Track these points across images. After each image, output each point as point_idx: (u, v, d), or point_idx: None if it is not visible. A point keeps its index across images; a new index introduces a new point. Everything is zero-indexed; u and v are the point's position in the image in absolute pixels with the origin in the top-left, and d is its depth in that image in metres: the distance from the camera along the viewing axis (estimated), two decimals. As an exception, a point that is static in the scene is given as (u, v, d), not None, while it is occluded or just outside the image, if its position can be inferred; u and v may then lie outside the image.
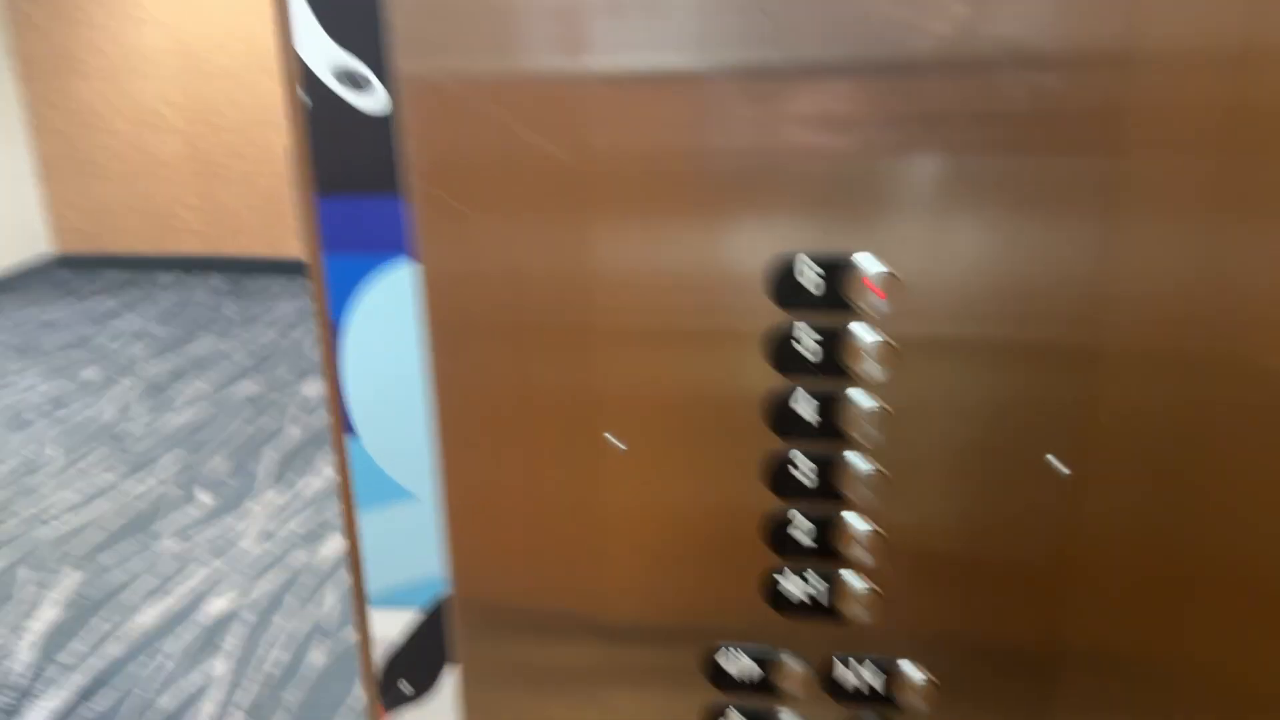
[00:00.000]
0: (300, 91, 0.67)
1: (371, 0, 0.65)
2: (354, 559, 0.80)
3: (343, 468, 0.77)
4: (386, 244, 0.70)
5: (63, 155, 5.90)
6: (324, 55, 0.67)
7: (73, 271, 6.10)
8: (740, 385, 0.66)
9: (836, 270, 0.62)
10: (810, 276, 0.63)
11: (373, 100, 0.67)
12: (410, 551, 0.79)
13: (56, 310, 5.37)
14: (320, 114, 0.68)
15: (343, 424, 0.76)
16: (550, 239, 0.66)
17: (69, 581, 2.79)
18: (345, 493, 0.78)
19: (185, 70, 5.55)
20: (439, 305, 0.70)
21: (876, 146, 0.60)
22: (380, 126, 0.67)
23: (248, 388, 4.22)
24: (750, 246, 0.63)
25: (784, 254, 0.63)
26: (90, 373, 4.43)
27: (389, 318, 0.71)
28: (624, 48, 0.62)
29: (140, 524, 3.10)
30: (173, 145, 5.72)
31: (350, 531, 0.79)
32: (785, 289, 0.63)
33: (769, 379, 0.65)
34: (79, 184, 5.94)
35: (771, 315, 0.64)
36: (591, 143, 0.64)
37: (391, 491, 0.77)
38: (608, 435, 0.69)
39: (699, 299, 0.65)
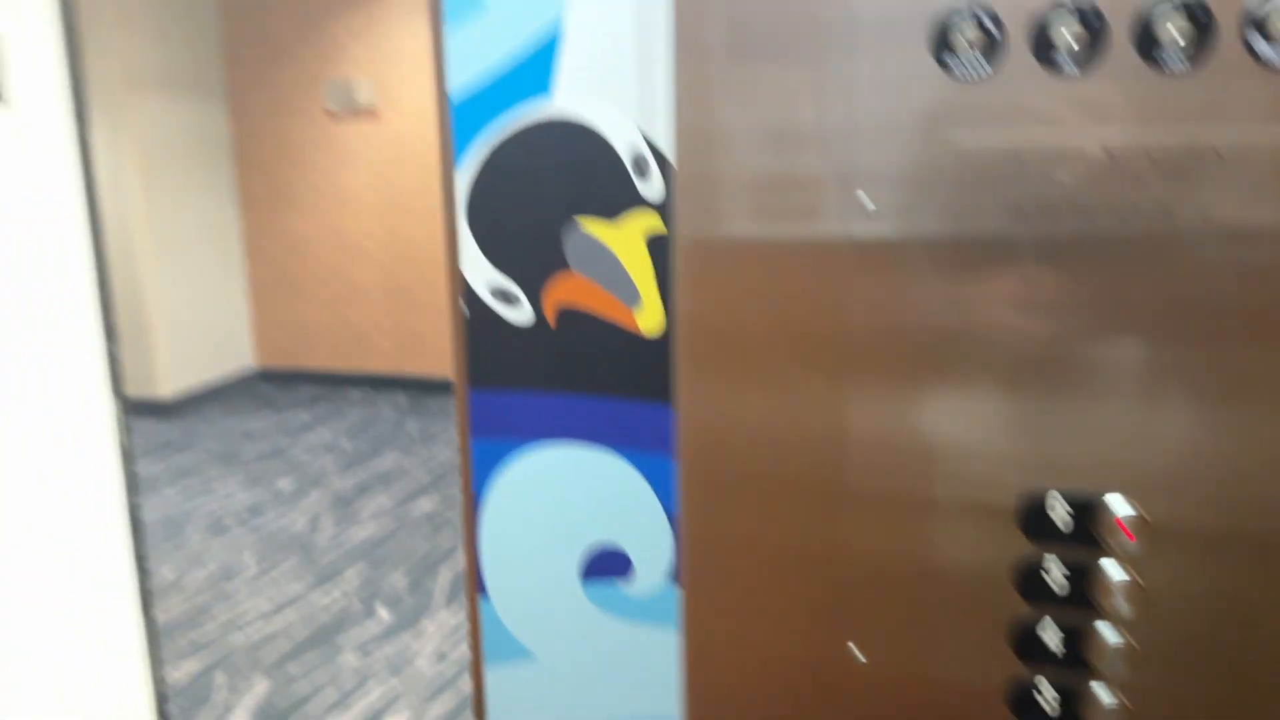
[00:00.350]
0: (462, 303, 0.86)
1: (523, 233, 0.84)
2: (478, 710, 0.91)
3: (474, 626, 0.91)
4: (524, 432, 0.86)
5: (271, 279, 6.59)
6: (483, 276, 0.86)
7: (271, 385, 6.71)
8: (986, 579, 0.69)
9: (1086, 509, 0.66)
10: (1060, 513, 0.67)
11: (519, 313, 0.85)
12: (530, 706, 0.88)
13: (256, 421, 5.92)
14: (476, 322, 0.86)
15: (476, 585, 0.91)
16: (805, 400, 0.71)
17: (259, 689, 3.06)
18: (475, 648, 0.91)
19: (387, 208, 6.17)
20: (693, 458, 0.75)
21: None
22: (524, 335, 0.85)
23: (425, 505, 4.53)
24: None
25: (1035, 489, 0.67)
26: (284, 483, 4.85)
27: (521, 495, 0.87)
28: (875, 219, 0.68)
29: (325, 636, 3.37)
30: (371, 273, 6.32)
31: (476, 684, 0.91)
32: (1034, 522, 0.68)
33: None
34: (284, 305, 6.60)
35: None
36: (846, 309, 0.69)
37: (515, 650, 0.90)
38: (851, 646, 0.72)
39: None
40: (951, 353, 0.67)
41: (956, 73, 0.65)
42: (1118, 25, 0.62)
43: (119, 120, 5.68)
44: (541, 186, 0.83)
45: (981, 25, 0.64)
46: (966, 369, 0.67)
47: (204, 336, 6.34)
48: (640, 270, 0.81)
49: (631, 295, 0.82)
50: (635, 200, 0.80)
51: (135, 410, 6.07)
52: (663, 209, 0.80)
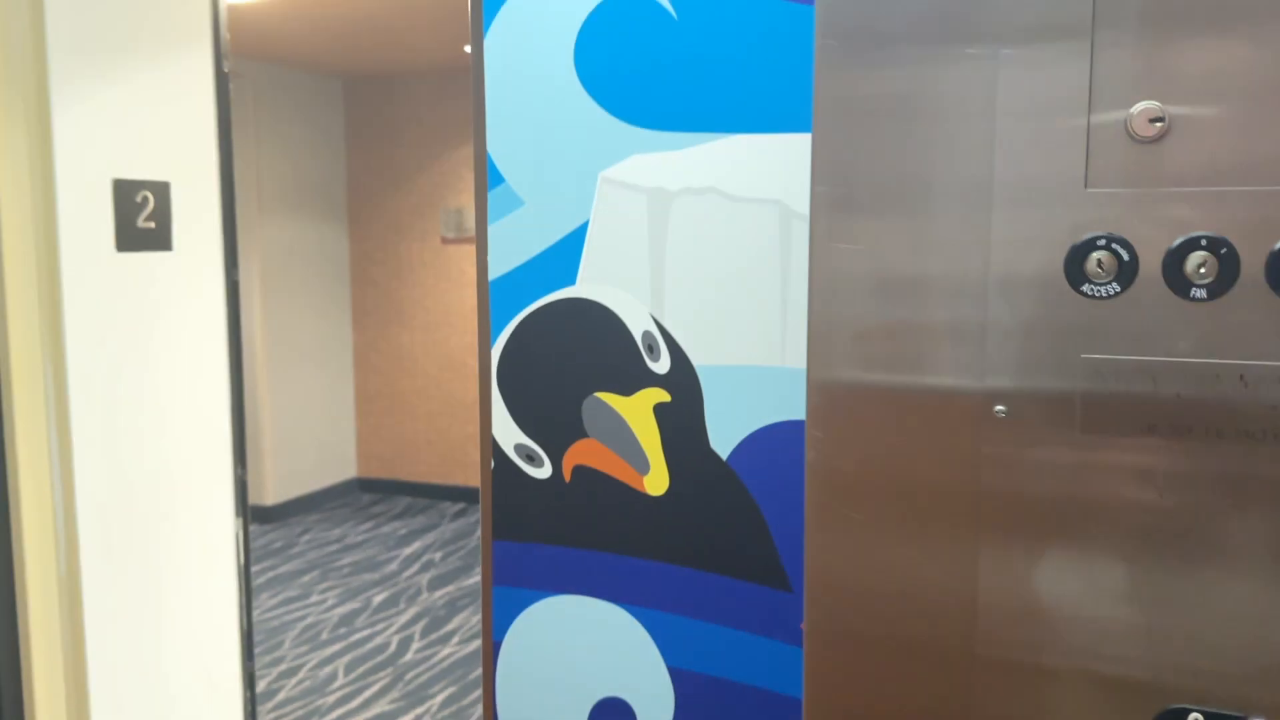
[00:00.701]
0: (493, 461, 0.99)
1: (547, 400, 0.96)
2: None
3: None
4: (542, 582, 0.96)
5: (377, 391, 6.92)
6: (509, 436, 0.98)
7: (370, 494, 6.96)
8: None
9: None
10: None
11: (541, 471, 0.97)
12: None
13: (354, 531, 6.13)
14: (501, 478, 0.98)
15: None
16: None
17: (335, 805, 3.15)
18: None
19: (489, 327, 6.46)
20: (819, 615, 0.75)
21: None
22: (542, 488, 0.96)
23: (513, 625, 4.61)
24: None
25: (1176, 706, 0.68)
26: (380, 597, 5.00)
27: (534, 643, 0.96)
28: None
29: (402, 755, 3.45)
30: (472, 389, 6.58)
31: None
32: None
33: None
34: (387, 417, 6.90)
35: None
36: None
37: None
38: None
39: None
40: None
41: (1088, 293, 0.69)
42: (1248, 256, 0.66)
43: (245, 238, 6.12)
44: (564, 361, 0.96)
45: (1114, 251, 0.68)
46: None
47: (311, 446, 6.64)
48: (648, 437, 0.92)
49: (641, 461, 0.93)
50: (646, 377, 0.92)
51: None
52: (668, 383, 0.91)
